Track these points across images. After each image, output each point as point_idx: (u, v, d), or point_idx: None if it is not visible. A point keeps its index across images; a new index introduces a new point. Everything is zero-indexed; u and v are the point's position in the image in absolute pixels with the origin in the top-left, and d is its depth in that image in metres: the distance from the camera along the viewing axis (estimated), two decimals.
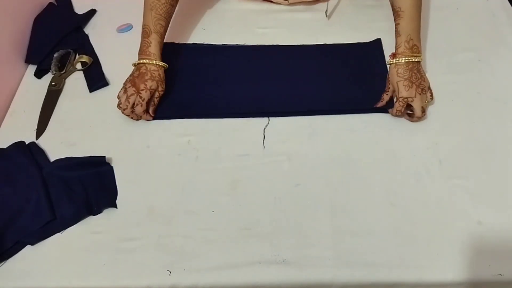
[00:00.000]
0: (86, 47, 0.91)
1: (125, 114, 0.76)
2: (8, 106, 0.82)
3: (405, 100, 0.74)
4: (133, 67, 0.79)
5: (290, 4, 0.96)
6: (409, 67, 0.75)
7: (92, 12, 0.98)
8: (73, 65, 0.88)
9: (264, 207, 0.68)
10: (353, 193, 0.69)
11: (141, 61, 0.77)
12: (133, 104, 0.75)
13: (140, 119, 0.79)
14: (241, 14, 0.96)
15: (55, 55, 0.87)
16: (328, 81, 0.83)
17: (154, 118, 0.79)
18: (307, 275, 0.62)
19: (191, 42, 0.91)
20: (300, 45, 0.89)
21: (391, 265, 0.62)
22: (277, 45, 0.88)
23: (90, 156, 0.73)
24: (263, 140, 0.76)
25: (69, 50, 0.89)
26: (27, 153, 0.73)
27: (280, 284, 0.62)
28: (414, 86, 0.74)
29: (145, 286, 0.62)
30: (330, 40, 0.90)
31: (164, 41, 0.91)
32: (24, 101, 0.83)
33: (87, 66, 0.87)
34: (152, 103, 0.77)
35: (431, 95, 0.77)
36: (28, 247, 0.65)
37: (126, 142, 0.76)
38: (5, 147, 0.75)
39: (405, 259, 0.63)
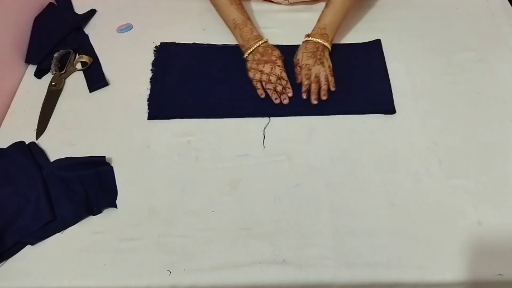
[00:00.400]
0: (86, 47, 0.91)
1: (273, 89, 0.79)
2: (8, 106, 0.82)
3: (306, 65, 0.81)
4: (247, 60, 0.84)
5: (290, 4, 0.96)
6: (316, 46, 0.83)
7: (92, 12, 0.98)
8: (73, 65, 0.88)
9: (264, 207, 0.68)
10: (353, 193, 0.69)
11: (255, 45, 0.83)
12: (279, 76, 0.81)
13: (282, 94, 0.80)
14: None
15: (55, 55, 0.87)
16: None
17: (154, 118, 0.79)
18: (307, 275, 0.62)
19: (191, 42, 0.91)
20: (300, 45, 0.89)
21: (391, 265, 0.62)
22: (276, 45, 0.88)
23: (90, 156, 0.73)
24: (263, 140, 0.76)
25: (69, 50, 0.89)
26: (27, 153, 0.73)
27: (280, 284, 0.62)
28: (315, 58, 0.81)
29: (145, 286, 0.62)
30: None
31: (164, 41, 0.91)
32: (24, 101, 0.83)
33: (87, 66, 0.87)
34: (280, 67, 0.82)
35: (331, 72, 0.81)
36: (28, 247, 0.65)
37: (126, 142, 0.76)
38: (5, 147, 0.75)
39: (405, 259, 0.63)
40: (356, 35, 0.91)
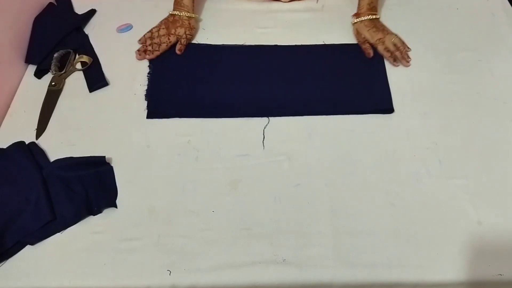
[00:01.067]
0: (86, 47, 0.91)
1: (150, 49, 0.87)
2: (8, 106, 0.82)
3: (379, 40, 0.86)
4: (168, 14, 0.91)
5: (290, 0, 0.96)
6: (373, 21, 0.89)
7: (92, 12, 0.98)
8: (73, 65, 0.88)
9: (264, 207, 0.68)
10: (353, 193, 0.69)
11: (174, 12, 0.90)
12: (159, 41, 0.87)
13: (153, 56, 0.87)
14: (241, 14, 0.96)
15: (55, 55, 0.87)
16: (327, 82, 0.83)
17: (153, 117, 0.79)
18: (307, 275, 0.62)
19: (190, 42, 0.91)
20: (300, 45, 0.89)
21: (391, 265, 0.62)
22: (276, 45, 0.88)
23: (90, 156, 0.73)
24: (263, 140, 0.76)
25: (69, 50, 0.89)
26: (27, 153, 0.73)
27: (280, 284, 0.62)
28: (380, 31, 0.88)
29: (145, 286, 0.62)
30: (330, 40, 0.90)
31: None
32: (24, 101, 0.83)
33: (87, 66, 0.87)
34: (179, 43, 0.88)
35: (397, 36, 0.88)
36: (28, 247, 0.65)
37: (126, 142, 0.76)
38: (5, 147, 0.75)
39: (405, 259, 0.63)
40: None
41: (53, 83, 0.84)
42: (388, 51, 0.85)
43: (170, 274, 0.62)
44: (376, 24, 0.88)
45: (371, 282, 0.61)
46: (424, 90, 0.81)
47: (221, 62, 0.87)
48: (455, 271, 0.61)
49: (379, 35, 0.87)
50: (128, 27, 0.95)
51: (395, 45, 0.86)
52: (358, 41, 0.88)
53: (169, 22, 0.90)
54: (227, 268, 0.63)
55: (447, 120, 0.77)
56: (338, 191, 0.69)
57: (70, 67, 0.88)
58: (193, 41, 0.91)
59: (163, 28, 0.89)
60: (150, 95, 0.82)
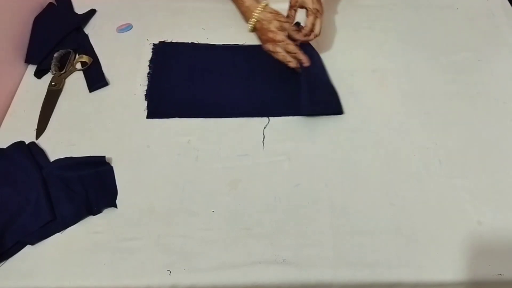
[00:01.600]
0: (86, 47, 0.91)
1: (293, 61, 0.78)
2: (8, 106, 0.82)
3: (316, 11, 0.78)
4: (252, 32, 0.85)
5: None
6: None
7: (92, 12, 0.98)
8: (73, 65, 0.88)
9: (264, 207, 0.68)
10: (353, 193, 0.69)
11: (252, 22, 0.82)
12: (286, 50, 0.78)
13: (295, 56, 0.79)
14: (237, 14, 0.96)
15: (55, 55, 0.87)
16: (262, 83, 0.83)
17: (153, 117, 0.79)
18: (307, 275, 0.62)
19: (190, 42, 0.91)
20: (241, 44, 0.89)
21: (391, 265, 0.62)
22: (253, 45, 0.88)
23: (90, 156, 0.73)
24: (263, 140, 0.76)
25: (69, 50, 0.89)
26: (27, 153, 0.73)
27: (280, 284, 0.62)
28: (321, 1, 0.80)
29: (145, 286, 0.62)
30: (330, 40, 0.90)
31: (163, 40, 0.91)
32: (24, 101, 0.83)
33: (87, 66, 0.87)
34: (294, 32, 0.80)
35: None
36: (28, 247, 0.65)
37: (126, 142, 0.76)
38: (5, 147, 0.75)
39: (405, 259, 0.63)
40: (356, 34, 0.91)
41: (53, 83, 0.84)
42: (311, 27, 0.79)
43: (170, 274, 0.62)
44: None
45: (371, 282, 0.62)
46: (424, 90, 0.81)
47: (216, 61, 0.87)
48: (455, 271, 0.61)
49: (319, 6, 0.80)
50: (128, 27, 0.95)
51: (317, 30, 0.80)
52: (290, 2, 0.82)
53: (261, 36, 0.82)
54: (227, 268, 0.63)
55: (447, 120, 0.77)
56: (338, 191, 0.69)
57: (70, 67, 0.87)
58: (192, 41, 0.91)
59: (268, 45, 0.80)
60: (149, 95, 0.82)
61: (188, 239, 0.65)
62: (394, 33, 0.91)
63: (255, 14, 0.80)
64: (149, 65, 0.87)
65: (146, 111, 0.80)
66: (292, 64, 0.78)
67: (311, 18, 0.80)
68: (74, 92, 0.84)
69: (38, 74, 0.86)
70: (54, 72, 0.85)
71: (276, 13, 0.82)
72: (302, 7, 0.81)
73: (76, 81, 0.86)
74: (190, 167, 0.73)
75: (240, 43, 0.90)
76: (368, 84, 0.83)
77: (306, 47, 0.83)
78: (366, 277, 0.61)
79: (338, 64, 0.86)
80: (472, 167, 0.71)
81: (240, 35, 0.91)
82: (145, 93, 0.83)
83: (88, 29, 0.95)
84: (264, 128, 0.77)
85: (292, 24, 0.83)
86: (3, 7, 0.83)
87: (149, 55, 0.89)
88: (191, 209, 0.68)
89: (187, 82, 0.84)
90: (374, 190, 0.69)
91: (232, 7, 0.97)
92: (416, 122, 0.77)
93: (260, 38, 0.81)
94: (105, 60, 0.89)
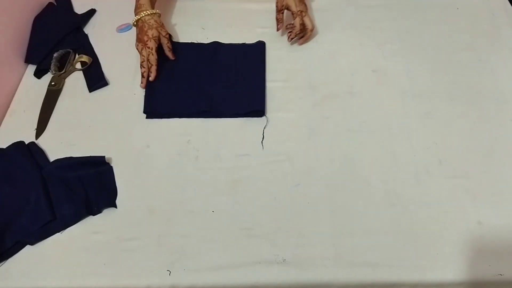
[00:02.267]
0: (85, 47, 0.91)
1: (146, 69, 0.82)
2: (8, 106, 0.82)
3: (302, 12, 0.84)
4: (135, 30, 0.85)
5: None
6: None
7: (92, 12, 0.98)
8: (73, 65, 0.88)
9: (264, 207, 0.68)
10: (353, 193, 0.69)
11: (136, 18, 0.84)
12: (145, 56, 0.81)
13: (153, 73, 0.82)
14: (241, 14, 0.96)
15: (55, 55, 0.87)
16: (217, 82, 0.83)
17: (152, 117, 0.79)
18: (307, 275, 0.62)
19: (190, 41, 0.91)
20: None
21: (391, 265, 0.62)
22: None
23: (90, 156, 0.73)
24: (262, 140, 0.76)
25: (69, 50, 0.89)
26: (27, 153, 0.73)
27: (280, 284, 0.62)
28: (304, 3, 0.86)
29: (145, 286, 0.62)
30: (328, 40, 0.90)
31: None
32: (24, 101, 0.83)
33: (86, 66, 0.87)
34: (167, 47, 0.84)
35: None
36: (28, 247, 0.65)
37: (126, 142, 0.76)
38: (5, 147, 0.75)
39: (405, 259, 0.63)
40: (356, 34, 0.91)
41: (52, 83, 0.84)
42: (302, 26, 0.85)
43: (170, 274, 0.62)
44: None
45: (371, 282, 0.62)
46: (424, 90, 0.81)
47: (205, 59, 0.87)
48: (455, 271, 0.61)
49: (303, 7, 0.85)
50: (128, 27, 0.95)
51: (309, 26, 0.85)
52: (277, 7, 0.88)
53: (137, 34, 0.84)
54: (227, 268, 0.63)
55: (447, 120, 0.77)
56: (338, 191, 0.69)
57: (69, 67, 0.87)
58: (193, 41, 0.91)
59: (138, 43, 0.83)
60: (146, 96, 0.81)
61: (188, 239, 0.65)
62: (394, 33, 0.91)
63: (143, 14, 0.83)
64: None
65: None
66: (143, 71, 0.82)
67: (298, 19, 0.85)
68: (74, 92, 0.84)
69: (38, 74, 0.86)
70: (54, 72, 0.85)
71: (161, 25, 0.85)
72: (288, 9, 0.87)
73: (76, 81, 0.86)
74: (190, 167, 0.73)
75: (240, 43, 0.90)
76: (368, 84, 0.83)
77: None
78: (366, 277, 0.61)
79: (338, 64, 0.86)
80: (472, 167, 0.71)
81: (240, 35, 0.91)
82: (144, 93, 0.83)
83: (88, 29, 0.95)
84: (264, 128, 0.77)
85: (282, 27, 0.89)
86: (3, 7, 0.83)
87: None
88: (191, 209, 0.68)
89: (181, 81, 0.83)
90: (374, 190, 0.69)
91: (232, 7, 0.97)
92: (416, 122, 0.77)
93: (137, 35, 0.84)
94: (105, 60, 0.89)
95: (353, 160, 0.73)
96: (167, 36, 0.85)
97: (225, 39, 0.90)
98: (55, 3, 0.98)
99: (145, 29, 0.82)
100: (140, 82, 0.83)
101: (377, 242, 0.64)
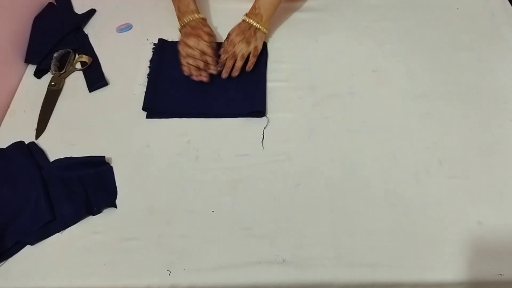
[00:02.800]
0: (85, 47, 0.91)
1: (202, 62, 0.80)
2: (8, 106, 0.82)
3: (231, 41, 0.82)
4: (179, 32, 0.84)
5: None
6: (248, 27, 0.83)
7: (91, 12, 0.98)
8: (73, 65, 0.88)
9: (264, 207, 0.68)
10: (353, 193, 0.69)
11: (189, 19, 0.83)
12: (203, 50, 0.80)
13: (201, 74, 0.81)
14: (241, 14, 0.96)
15: (55, 55, 0.87)
16: (218, 82, 0.83)
17: (152, 117, 0.79)
18: (307, 275, 0.62)
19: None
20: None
21: (391, 265, 0.62)
22: None
23: (90, 156, 0.73)
24: (262, 140, 0.76)
25: (69, 50, 0.89)
26: (26, 153, 0.73)
27: (280, 284, 0.62)
28: (242, 36, 0.82)
29: (145, 286, 0.62)
30: (328, 40, 0.90)
31: (163, 37, 0.91)
32: (24, 101, 0.83)
33: (86, 66, 0.87)
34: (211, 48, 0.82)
35: (254, 53, 0.83)
36: (28, 247, 0.65)
37: (126, 142, 0.76)
38: (5, 147, 0.75)
39: (405, 259, 0.63)
40: (355, 33, 0.91)
41: (52, 83, 0.84)
42: (225, 53, 0.82)
43: (170, 274, 0.62)
44: (248, 30, 0.83)
45: (371, 282, 0.61)
46: (424, 90, 0.81)
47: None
48: (455, 271, 0.61)
49: (237, 38, 0.82)
50: (127, 27, 0.95)
51: (235, 54, 0.81)
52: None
53: (188, 32, 0.81)
54: (227, 268, 0.63)
55: (447, 120, 0.77)
56: (338, 191, 0.69)
57: (69, 67, 0.88)
58: None
59: (190, 38, 0.80)
60: (146, 95, 0.81)
61: (188, 239, 0.65)
62: (394, 33, 0.91)
63: (197, 16, 0.84)
64: (149, 66, 0.86)
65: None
66: (185, 69, 0.81)
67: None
68: (74, 92, 0.84)
69: (38, 74, 0.86)
70: (54, 72, 0.85)
71: (208, 31, 0.83)
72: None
73: (75, 81, 0.86)
74: (190, 167, 0.73)
75: None
76: (368, 84, 0.83)
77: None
78: (366, 277, 0.61)
79: (338, 64, 0.86)
80: (472, 167, 0.71)
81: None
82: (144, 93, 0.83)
83: (88, 29, 0.95)
84: (264, 128, 0.77)
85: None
86: (3, 7, 0.83)
87: (149, 54, 0.89)
88: (191, 209, 0.68)
89: (182, 81, 0.83)
90: (374, 190, 0.69)
91: (232, 7, 0.97)
92: (416, 122, 0.77)
93: (187, 33, 0.82)
94: (105, 59, 0.89)
95: (353, 160, 0.73)
96: (213, 44, 0.83)
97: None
98: (55, 3, 0.98)
99: (201, 26, 0.82)
100: (139, 82, 0.83)
101: (377, 242, 0.64)
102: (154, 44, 0.90)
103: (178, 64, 0.84)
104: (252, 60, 0.83)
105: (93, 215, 0.68)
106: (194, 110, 0.80)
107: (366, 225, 0.66)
